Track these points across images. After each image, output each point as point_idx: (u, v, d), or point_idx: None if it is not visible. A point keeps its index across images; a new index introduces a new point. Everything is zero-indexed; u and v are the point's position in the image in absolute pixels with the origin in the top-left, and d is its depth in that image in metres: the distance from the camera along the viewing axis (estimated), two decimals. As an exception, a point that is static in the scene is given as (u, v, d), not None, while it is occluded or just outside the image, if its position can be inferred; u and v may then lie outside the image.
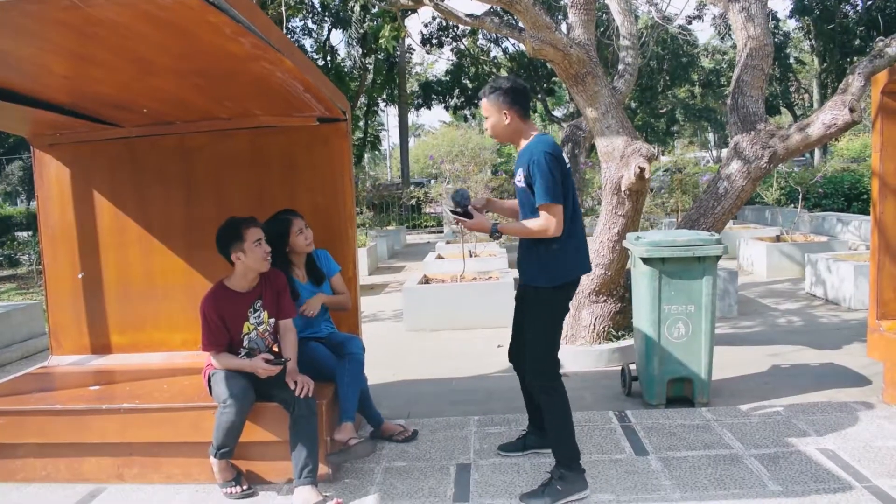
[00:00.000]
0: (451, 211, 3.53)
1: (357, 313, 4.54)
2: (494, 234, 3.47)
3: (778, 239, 11.11)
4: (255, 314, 3.71)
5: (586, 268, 3.58)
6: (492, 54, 24.08)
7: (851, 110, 5.14)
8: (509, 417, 4.56)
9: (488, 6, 5.80)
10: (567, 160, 3.52)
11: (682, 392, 4.69)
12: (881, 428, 4.12)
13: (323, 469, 3.64)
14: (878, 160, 4.52)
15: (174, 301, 4.63)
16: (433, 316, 7.65)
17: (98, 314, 4.71)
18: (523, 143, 3.51)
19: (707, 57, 27.14)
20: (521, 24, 5.44)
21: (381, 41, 7.99)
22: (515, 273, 8.88)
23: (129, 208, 4.65)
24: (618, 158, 5.38)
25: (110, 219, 4.66)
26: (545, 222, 3.34)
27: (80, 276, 4.67)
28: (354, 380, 3.92)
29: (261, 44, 2.86)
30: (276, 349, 3.80)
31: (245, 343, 3.69)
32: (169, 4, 2.40)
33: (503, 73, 24.30)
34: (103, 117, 4.27)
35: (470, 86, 24.89)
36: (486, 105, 3.49)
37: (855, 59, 20.57)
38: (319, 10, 21.93)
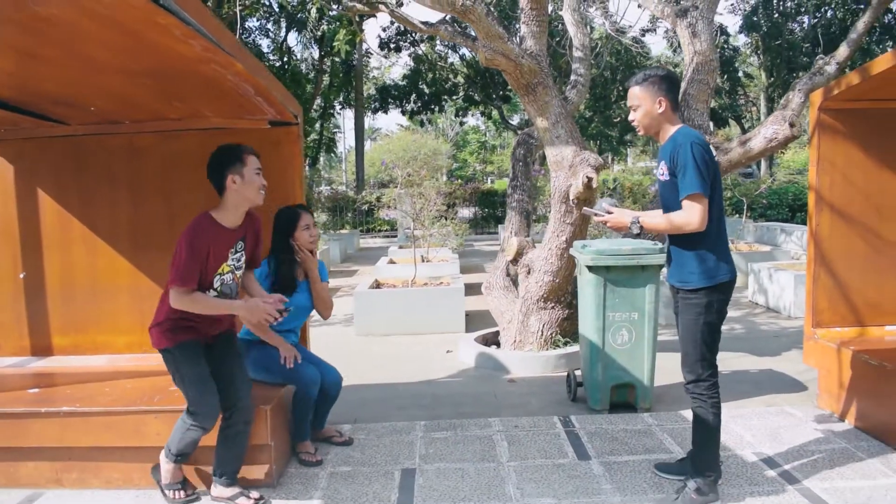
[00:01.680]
0: (595, 214, 3.50)
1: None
2: (634, 226, 3.32)
3: (724, 248, 11.34)
4: (236, 256, 3.40)
5: (734, 271, 3.40)
6: (449, 60, 24.17)
7: (791, 125, 5.32)
8: (455, 422, 4.59)
9: (443, 14, 5.85)
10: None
11: (626, 398, 4.79)
12: (814, 432, 4.27)
13: (265, 474, 3.64)
14: (815, 174, 4.68)
15: (119, 303, 4.57)
16: (384, 321, 7.66)
17: (39, 315, 4.62)
18: (668, 134, 3.39)
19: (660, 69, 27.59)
20: (474, 33, 5.50)
21: (335, 45, 7.98)
22: (466, 278, 8.98)
23: (74, 207, 4.57)
24: (566, 168, 5.47)
25: (54, 218, 4.58)
26: (689, 214, 3.20)
27: (21, 275, 4.58)
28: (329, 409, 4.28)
29: (211, 46, 2.85)
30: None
31: (216, 284, 3.33)
32: (116, 4, 2.39)
33: (460, 79, 24.39)
34: (49, 114, 4.20)
35: (427, 91, 24.93)
36: (639, 93, 3.36)
37: (800, 74, 21.14)
38: (277, 10, 21.78)
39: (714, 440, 3.43)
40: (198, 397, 3.31)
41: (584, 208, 3.50)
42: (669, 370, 5.70)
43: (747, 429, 4.34)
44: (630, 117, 3.47)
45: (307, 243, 4.08)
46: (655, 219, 3.37)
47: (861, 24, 7.05)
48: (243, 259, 3.48)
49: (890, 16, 22.36)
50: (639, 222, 3.33)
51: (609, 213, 3.48)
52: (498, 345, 6.48)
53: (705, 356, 3.40)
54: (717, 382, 3.43)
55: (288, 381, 3.97)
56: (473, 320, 7.93)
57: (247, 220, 3.45)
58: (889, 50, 3.86)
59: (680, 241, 3.37)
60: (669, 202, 3.37)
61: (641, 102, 3.37)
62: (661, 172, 3.37)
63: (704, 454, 3.43)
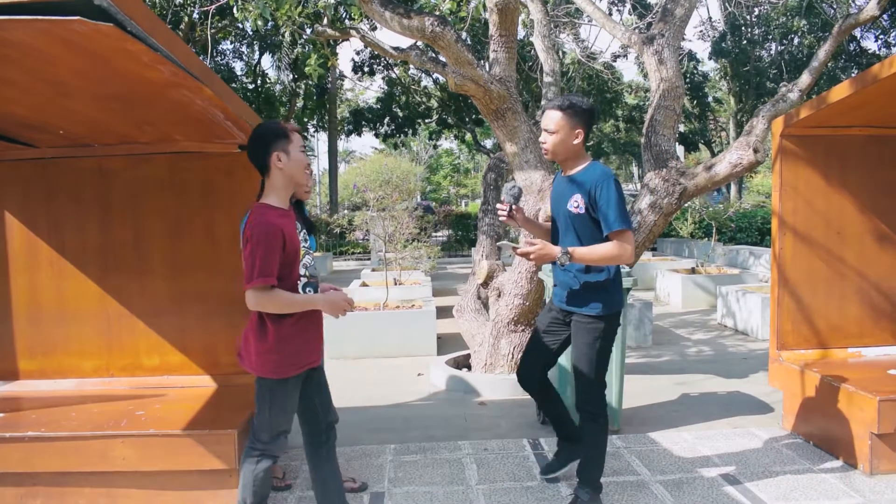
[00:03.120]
0: (511, 245, 3.44)
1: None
2: (563, 257, 3.31)
3: (693, 271, 11.50)
4: (301, 235, 3.17)
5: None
6: (423, 84, 24.31)
7: (755, 151, 5.42)
8: (425, 446, 4.60)
9: (414, 40, 5.91)
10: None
11: (595, 420, 4.81)
12: (779, 453, 4.33)
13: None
14: (778, 199, 4.78)
15: (86, 326, 4.53)
16: (355, 344, 7.64)
17: (5, 338, 4.55)
18: (579, 167, 3.47)
19: (631, 93, 28.04)
20: (444, 59, 5.57)
21: (307, 69, 8.02)
22: (438, 301, 9.00)
23: (42, 230, 4.54)
24: (535, 192, 5.53)
25: (21, 241, 4.54)
26: (621, 249, 3.30)
27: (-14, 299, 4.53)
28: None
29: (180, 72, 2.87)
30: None
31: (303, 272, 3.10)
32: (86, 32, 2.40)
33: (434, 102, 24.54)
34: (17, 137, 4.18)
35: (400, 114, 25.03)
36: (559, 119, 3.37)
37: (768, 99, 21.54)
38: (250, 34, 21.80)
39: (604, 455, 3.61)
40: (275, 430, 3.08)
41: (501, 242, 3.48)
42: (637, 393, 5.77)
43: (714, 450, 4.39)
44: (542, 139, 3.48)
45: (301, 194, 3.71)
46: (589, 252, 3.36)
47: (822, 53, 7.22)
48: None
49: (855, 44, 22.94)
50: (568, 253, 3.32)
51: (514, 206, 3.45)
52: (469, 368, 6.49)
53: (600, 377, 3.56)
54: (606, 402, 3.63)
55: None
56: (445, 343, 7.94)
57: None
58: (852, 77, 3.99)
59: (589, 269, 3.48)
60: (583, 234, 3.45)
61: (559, 129, 3.40)
62: (576, 205, 3.41)
63: (597, 470, 3.60)
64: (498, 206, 3.49)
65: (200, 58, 3.19)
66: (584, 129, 3.42)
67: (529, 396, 5.61)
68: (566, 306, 3.60)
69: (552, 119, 3.40)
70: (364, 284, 10.61)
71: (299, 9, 7.05)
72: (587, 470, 3.59)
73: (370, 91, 27.42)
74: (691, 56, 24.88)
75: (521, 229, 3.69)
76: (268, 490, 3.13)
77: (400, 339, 7.65)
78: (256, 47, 22.97)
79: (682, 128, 26.10)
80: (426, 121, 25.68)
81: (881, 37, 22.81)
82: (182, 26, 15.79)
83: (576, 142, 3.41)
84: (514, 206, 3.46)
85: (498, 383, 5.90)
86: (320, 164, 47.94)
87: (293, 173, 3.01)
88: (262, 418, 3.05)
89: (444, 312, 8.74)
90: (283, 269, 2.89)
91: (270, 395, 3.01)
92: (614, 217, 3.29)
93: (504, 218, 3.48)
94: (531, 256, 3.35)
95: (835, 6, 20.51)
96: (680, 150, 27.85)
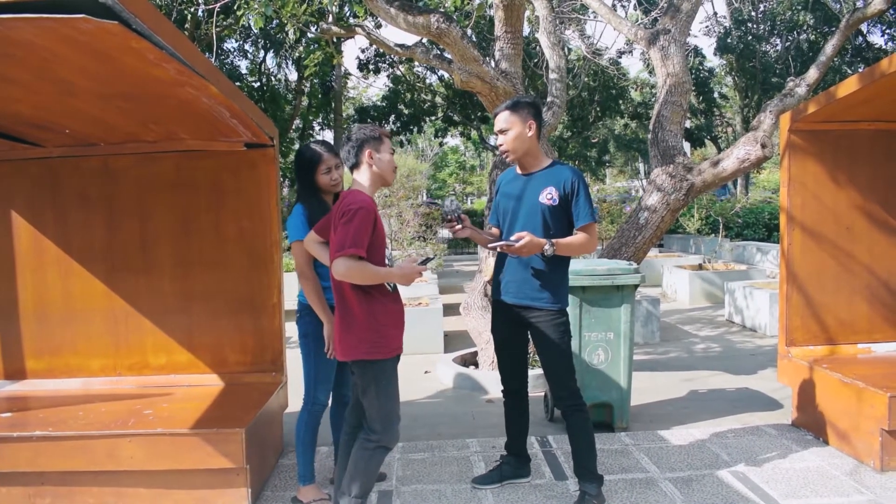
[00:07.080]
0: (506, 245, 3.44)
1: (282, 339, 4.51)
2: (549, 249, 3.39)
3: (700, 267, 11.47)
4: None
5: None
6: (428, 81, 24.24)
7: (763, 146, 5.41)
8: (433, 444, 4.59)
9: (419, 37, 5.90)
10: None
11: (603, 417, 4.80)
12: (788, 450, 4.30)
13: (240, 499, 3.61)
14: (786, 195, 4.75)
15: (93, 325, 4.53)
16: (362, 341, 7.60)
17: (12, 338, 4.56)
18: (543, 165, 3.60)
19: (636, 90, 27.92)
20: (449, 56, 5.55)
21: (306, 62, 8.00)
22: (445, 299, 8.99)
23: (49, 230, 4.54)
24: (542, 188, 5.51)
25: (28, 240, 4.54)
26: (592, 240, 3.50)
27: (-6, 299, 4.54)
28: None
29: (185, 70, 2.86)
30: None
31: (387, 262, 3.24)
32: (90, 30, 2.39)
33: (439, 100, 24.49)
34: (23, 136, 4.18)
35: (406, 111, 24.97)
36: (509, 117, 3.51)
37: (774, 94, 21.38)
38: (255, 31, 21.78)
39: (594, 442, 3.62)
40: (390, 414, 3.18)
41: (490, 243, 3.58)
42: (645, 390, 5.75)
43: (723, 448, 4.37)
44: (499, 141, 3.58)
45: (328, 186, 3.72)
46: (568, 241, 3.47)
47: (829, 47, 7.18)
48: None
49: (861, 38, 22.80)
50: (553, 245, 3.40)
51: (458, 214, 3.49)
52: (476, 365, 6.48)
53: (572, 368, 3.62)
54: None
55: (307, 374, 3.71)
56: (452, 341, 7.93)
57: None
58: (860, 72, 3.98)
59: (554, 263, 3.52)
60: (553, 226, 3.52)
61: (512, 126, 3.52)
62: (550, 197, 3.50)
63: (593, 459, 3.60)
64: (447, 224, 3.52)
65: (205, 56, 3.19)
66: (535, 120, 3.53)
67: (537, 394, 5.63)
68: (527, 302, 3.59)
69: (503, 119, 3.53)
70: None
71: (304, 6, 7.03)
72: (587, 462, 3.59)
73: (373, 88, 27.38)
74: (697, 52, 24.75)
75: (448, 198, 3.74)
76: (373, 484, 3.19)
77: (407, 337, 7.46)
78: (261, 45, 22.94)
79: (687, 124, 25.96)
80: (432, 118, 25.62)
81: (888, 31, 22.65)
82: (187, 24, 15.77)
83: (530, 133, 3.52)
84: (461, 218, 3.51)
85: (505, 381, 5.88)
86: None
87: (381, 173, 3.23)
88: (371, 406, 3.15)
89: (450, 310, 8.72)
90: (371, 248, 3.05)
91: (374, 379, 3.13)
92: (587, 211, 3.47)
93: (457, 231, 3.52)
94: (524, 250, 3.38)
95: (841, 1, 20.39)
96: (686, 146, 27.72)
